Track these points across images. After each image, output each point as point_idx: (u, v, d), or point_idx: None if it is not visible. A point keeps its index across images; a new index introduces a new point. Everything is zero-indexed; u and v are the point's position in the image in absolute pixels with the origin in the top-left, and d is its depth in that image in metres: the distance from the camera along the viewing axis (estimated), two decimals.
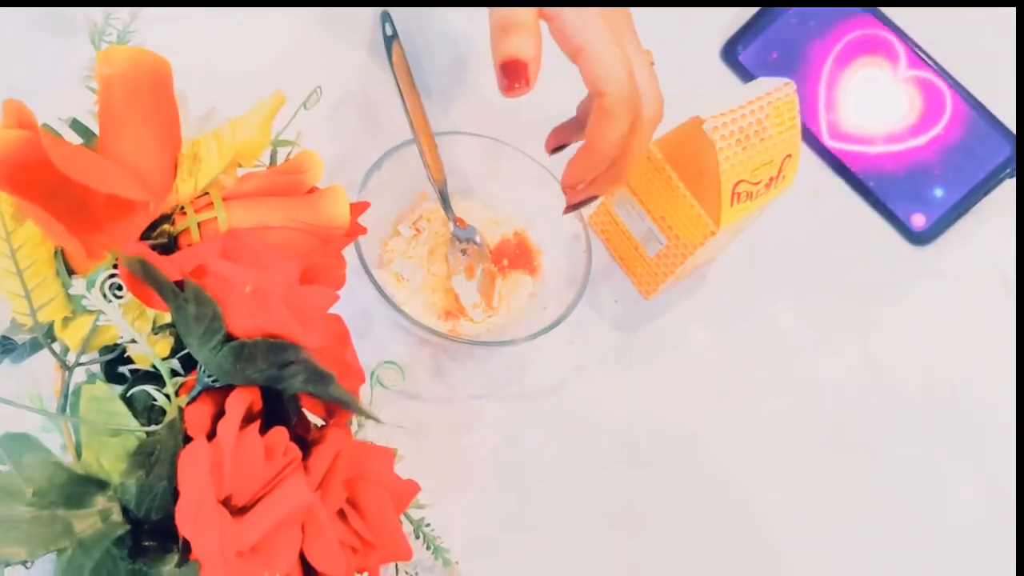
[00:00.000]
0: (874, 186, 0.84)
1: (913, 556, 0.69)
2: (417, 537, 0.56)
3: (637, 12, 0.55)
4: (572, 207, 0.59)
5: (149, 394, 0.45)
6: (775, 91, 0.61)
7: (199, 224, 0.48)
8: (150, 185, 0.46)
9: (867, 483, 0.71)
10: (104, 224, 0.46)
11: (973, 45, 0.91)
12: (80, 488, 0.44)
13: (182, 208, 0.49)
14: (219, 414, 0.44)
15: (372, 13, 0.75)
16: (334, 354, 0.47)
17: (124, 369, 0.48)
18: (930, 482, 0.73)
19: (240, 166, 0.51)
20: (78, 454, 0.46)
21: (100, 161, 0.45)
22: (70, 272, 0.46)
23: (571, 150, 0.56)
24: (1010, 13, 0.94)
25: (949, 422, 0.76)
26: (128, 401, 0.46)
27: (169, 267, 0.42)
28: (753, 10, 0.86)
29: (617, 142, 0.52)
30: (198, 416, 0.43)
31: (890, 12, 0.85)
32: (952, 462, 0.74)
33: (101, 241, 0.44)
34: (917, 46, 0.84)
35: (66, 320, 0.46)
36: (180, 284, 0.43)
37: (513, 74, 0.50)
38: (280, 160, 0.54)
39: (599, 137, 0.52)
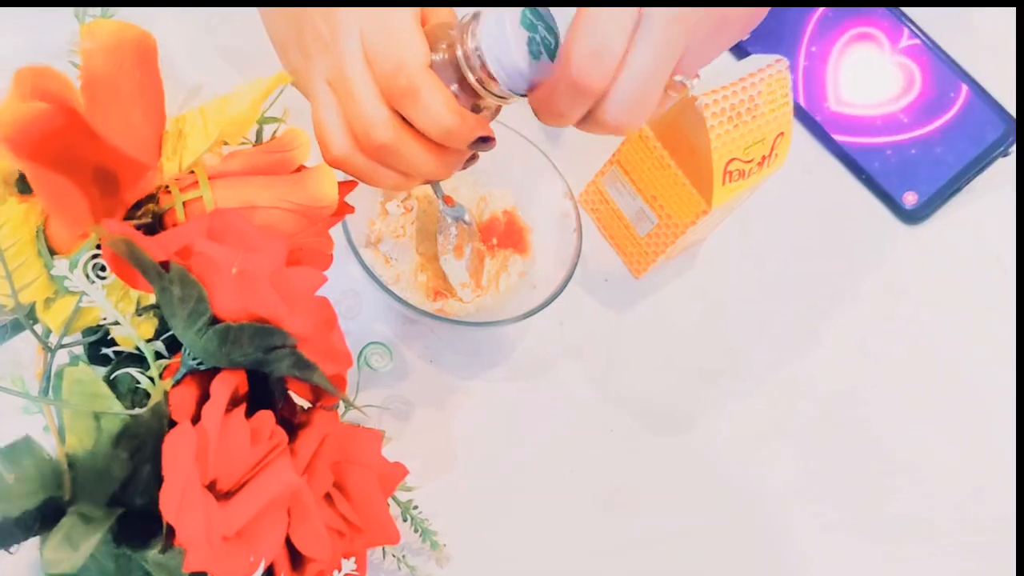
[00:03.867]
0: (866, 164, 0.83)
1: (905, 535, 0.69)
2: (405, 520, 0.56)
3: None
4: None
5: (133, 377, 0.44)
6: (767, 68, 0.61)
7: (184, 204, 0.47)
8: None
9: (859, 461, 0.71)
10: (94, 200, 0.45)
11: (968, 23, 0.90)
12: (62, 478, 0.44)
13: (167, 187, 0.48)
14: (204, 397, 0.43)
15: None
16: (321, 338, 0.46)
17: (108, 351, 0.47)
18: (923, 461, 0.73)
19: (226, 144, 0.50)
20: (61, 437, 0.45)
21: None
22: (52, 252, 0.45)
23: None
24: None
25: (942, 400, 0.76)
26: (111, 384, 0.46)
27: (154, 247, 0.41)
28: None
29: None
30: (183, 399, 0.43)
31: None
32: (945, 442, 0.74)
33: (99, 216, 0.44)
34: (912, 24, 0.84)
35: (48, 301, 0.46)
36: (165, 265, 0.42)
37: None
38: (266, 138, 0.53)
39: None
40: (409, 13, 0.46)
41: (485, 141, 0.49)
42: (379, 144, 0.48)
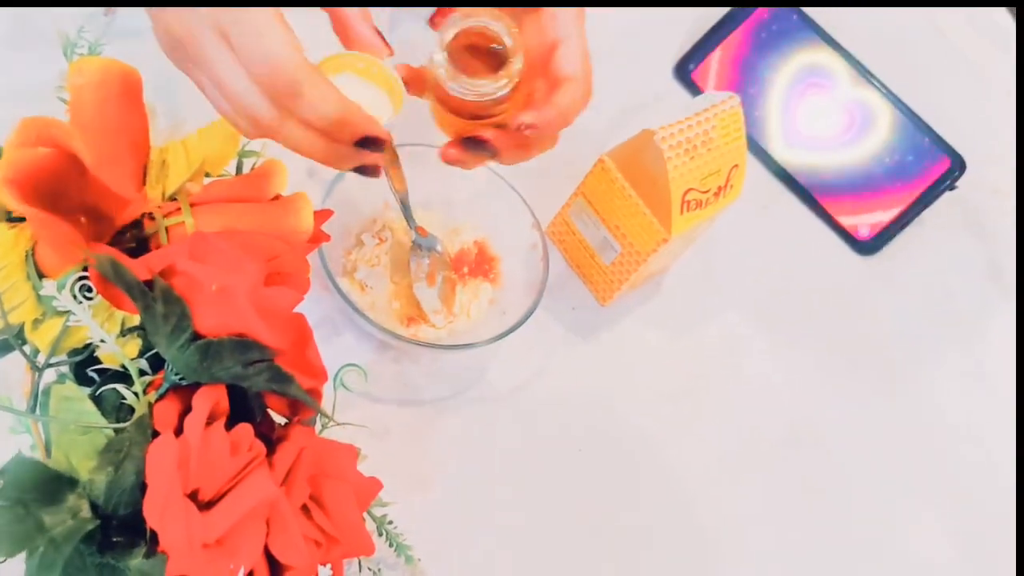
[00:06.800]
0: (821, 199, 0.87)
1: (869, 555, 0.72)
2: (380, 534, 0.57)
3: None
4: (477, 141, 0.55)
5: (118, 394, 0.46)
6: (720, 103, 0.64)
7: (167, 229, 0.49)
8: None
9: (820, 483, 0.74)
10: (86, 227, 0.47)
11: (915, 65, 0.95)
12: (51, 485, 0.45)
13: (151, 214, 0.50)
14: (186, 411, 0.45)
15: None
16: (297, 353, 0.48)
17: (93, 372, 0.49)
18: (884, 483, 0.75)
19: (208, 175, 0.53)
20: (48, 453, 0.47)
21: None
22: (41, 275, 0.47)
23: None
24: (952, 36, 0.99)
25: (899, 423, 0.79)
26: (97, 400, 0.47)
27: (138, 267, 0.44)
28: (704, 29, 0.90)
29: (574, 115, 0.54)
30: (166, 412, 0.45)
31: (836, 32, 0.89)
32: (903, 464, 0.77)
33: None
34: (861, 65, 0.88)
35: (36, 322, 0.48)
36: (149, 284, 0.44)
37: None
38: (246, 170, 0.56)
39: (566, 109, 0.54)
40: (267, 12, 0.46)
41: (374, 142, 0.50)
42: (269, 129, 0.48)
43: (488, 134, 0.54)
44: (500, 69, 0.52)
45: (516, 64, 0.52)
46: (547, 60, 0.54)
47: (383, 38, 0.52)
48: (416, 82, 0.54)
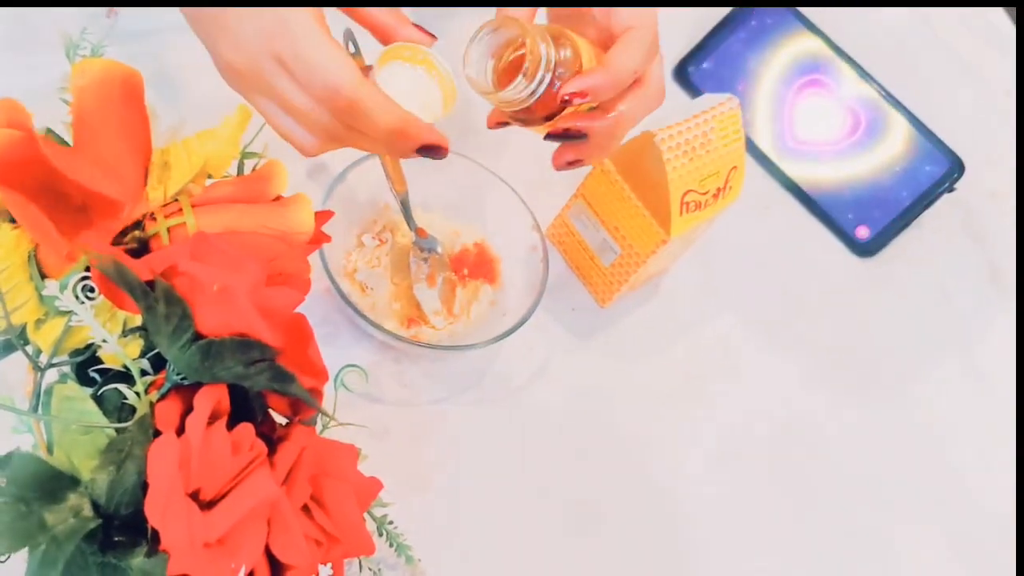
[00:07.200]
0: (820, 200, 0.88)
1: (865, 554, 0.72)
2: (380, 534, 0.57)
3: None
4: (559, 135, 0.55)
5: (119, 394, 0.46)
6: (719, 105, 0.65)
7: (169, 229, 0.49)
8: (124, 190, 0.48)
9: (818, 486, 0.74)
10: (78, 229, 0.47)
11: (915, 67, 0.96)
12: (54, 483, 0.45)
13: (152, 215, 0.50)
14: (188, 411, 0.45)
15: (336, 31, 0.78)
16: (298, 352, 0.48)
17: (94, 372, 0.49)
18: (882, 485, 0.76)
19: (210, 176, 0.53)
20: (50, 452, 0.47)
21: (87, 161, 0.47)
22: (43, 275, 0.47)
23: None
24: (949, 37, 0.99)
25: (898, 426, 0.79)
26: (99, 400, 0.48)
27: (140, 268, 0.44)
28: (704, 31, 0.90)
29: (632, 70, 0.53)
30: (167, 412, 0.45)
31: (835, 34, 0.89)
32: (901, 466, 0.77)
33: (78, 243, 0.46)
34: (860, 67, 0.88)
35: (39, 322, 0.48)
36: (151, 284, 0.45)
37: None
38: (247, 171, 0.56)
39: (619, 60, 0.53)
40: (317, 34, 0.48)
41: (434, 150, 0.51)
42: (337, 138, 0.51)
43: (562, 125, 0.54)
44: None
45: (529, 64, 0.51)
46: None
47: (423, 29, 0.53)
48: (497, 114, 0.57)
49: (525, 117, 0.54)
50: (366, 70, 0.52)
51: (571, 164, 0.57)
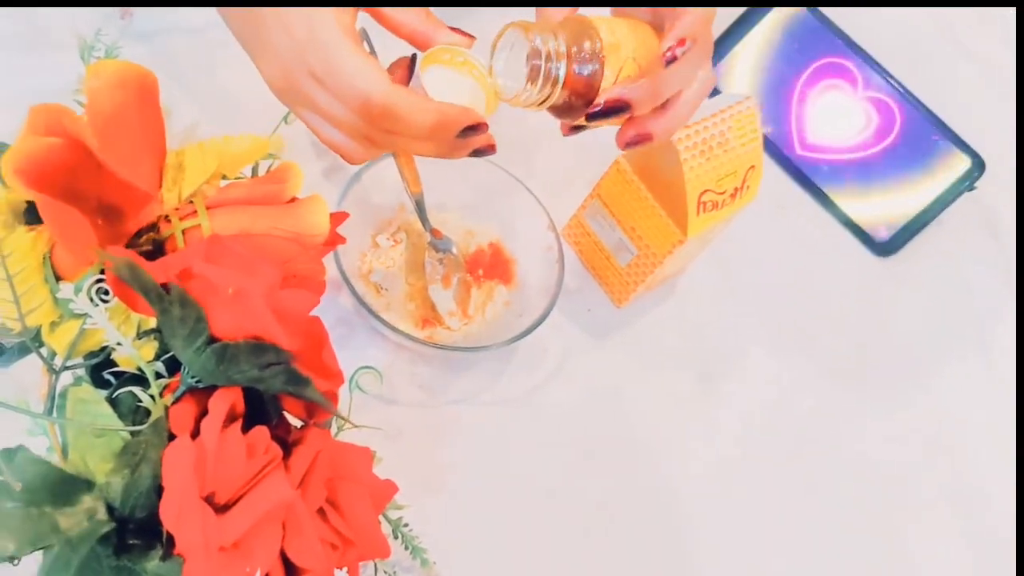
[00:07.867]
0: (839, 200, 0.87)
1: (884, 552, 0.71)
2: (395, 537, 0.57)
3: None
4: (599, 113, 0.52)
5: (134, 397, 0.46)
6: (736, 104, 0.64)
7: (183, 231, 0.49)
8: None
9: (837, 484, 0.73)
10: (96, 231, 0.47)
11: (933, 65, 0.95)
12: (67, 487, 0.45)
13: (167, 217, 0.50)
14: (202, 414, 0.45)
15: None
16: (313, 355, 0.48)
17: (109, 374, 0.49)
18: (902, 483, 0.75)
19: (224, 177, 0.53)
20: (64, 455, 0.47)
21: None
22: (58, 278, 0.47)
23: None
24: (969, 37, 0.98)
25: (916, 428, 0.78)
26: (113, 403, 0.48)
27: (155, 270, 0.44)
28: (720, 30, 0.89)
29: (678, 87, 0.52)
30: (182, 415, 0.45)
31: (852, 33, 0.88)
32: (921, 464, 0.76)
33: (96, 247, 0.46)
34: (878, 65, 0.87)
35: (53, 325, 0.48)
36: (165, 287, 0.44)
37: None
38: (262, 173, 0.56)
39: (667, 75, 0.51)
40: (345, 45, 0.48)
41: (474, 129, 0.51)
42: (380, 144, 0.51)
43: (600, 101, 0.51)
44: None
45: (530, 69, 0.50)
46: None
47: (460, 31, 0.53)
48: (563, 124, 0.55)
49: (568, 112, 0.52)
50: (402, 75, 0.52)
51: (632, 142, 0.54)
